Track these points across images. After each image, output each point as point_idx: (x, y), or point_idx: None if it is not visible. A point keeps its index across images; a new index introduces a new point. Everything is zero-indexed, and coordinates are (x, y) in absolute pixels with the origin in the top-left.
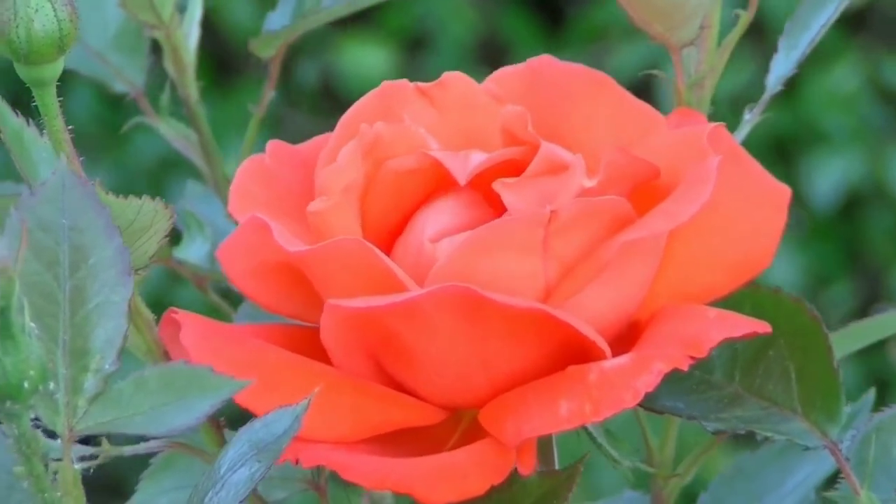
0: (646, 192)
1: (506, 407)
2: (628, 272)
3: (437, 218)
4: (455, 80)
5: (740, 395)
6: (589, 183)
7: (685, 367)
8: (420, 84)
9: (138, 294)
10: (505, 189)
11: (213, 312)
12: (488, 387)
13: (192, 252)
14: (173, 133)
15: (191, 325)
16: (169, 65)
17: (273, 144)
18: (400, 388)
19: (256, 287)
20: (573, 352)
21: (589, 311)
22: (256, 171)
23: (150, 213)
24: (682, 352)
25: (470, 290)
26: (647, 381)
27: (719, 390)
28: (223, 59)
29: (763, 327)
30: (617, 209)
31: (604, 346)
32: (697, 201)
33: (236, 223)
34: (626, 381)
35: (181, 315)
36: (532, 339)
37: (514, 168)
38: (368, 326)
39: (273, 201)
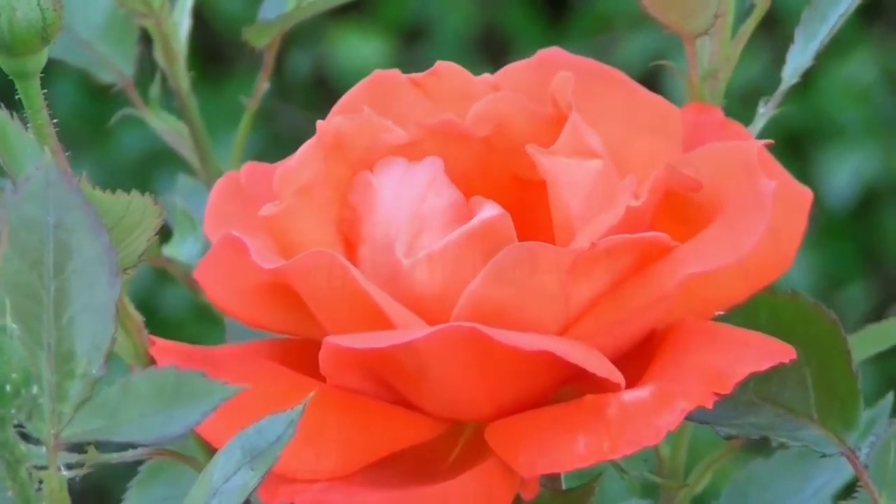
0: (679, 199)
1: (518, 435)
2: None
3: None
4: (449, 70)
5: (755, 402)
6: (635, 203)
7: (709, 405)
8: (413, 75)
9: (126, 295)
10: (540, 154)
11: (204, 313)
12: (494, 406)
13: (182, 250)
14: (164, 126)
15: (166, 358)
16: (159, 55)
17: (249, 166)
18: (402, 400)
19: (239, 305)
20: (585, 377)
21: (613, 339)
22: (231, 190)
23: (139, 210)
24: (706, 387)
25: (476, 330)
26: (670, 421)
27: (734, 398)
28: (213, 50)
29: (789, 354)
30: (657, 242)
31: (619, 379)
32: (757, 231)
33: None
34: (647, 418)
35: (157, 346)
36: (542, 369)
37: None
38: (368, 356)
39: (248, 221)
